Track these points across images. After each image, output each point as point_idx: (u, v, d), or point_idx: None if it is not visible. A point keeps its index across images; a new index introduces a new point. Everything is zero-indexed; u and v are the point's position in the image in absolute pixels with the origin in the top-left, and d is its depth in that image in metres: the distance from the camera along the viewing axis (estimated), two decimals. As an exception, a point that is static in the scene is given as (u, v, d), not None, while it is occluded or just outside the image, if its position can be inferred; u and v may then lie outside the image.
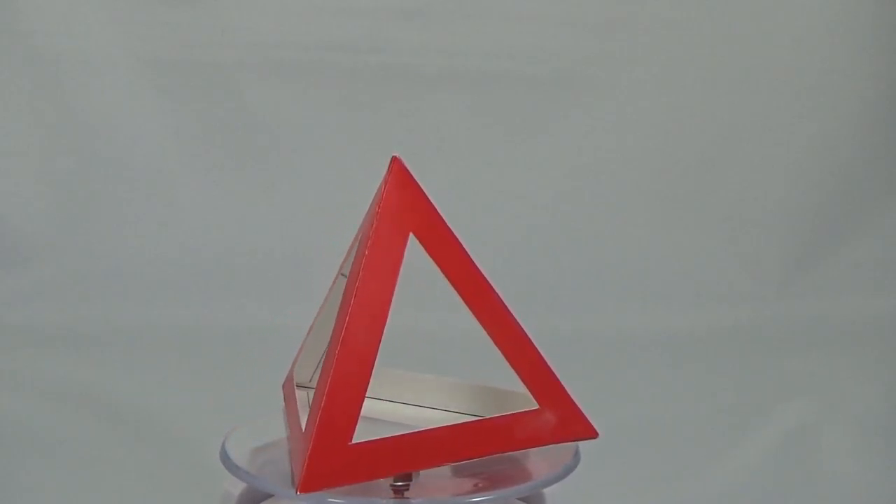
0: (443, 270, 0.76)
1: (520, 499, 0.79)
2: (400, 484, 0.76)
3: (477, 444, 0.76)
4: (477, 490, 0.75)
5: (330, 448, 0.73)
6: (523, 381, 0.77)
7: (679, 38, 1.66)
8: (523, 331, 0.78)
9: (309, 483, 0.72)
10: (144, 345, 1.44)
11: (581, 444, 0.79)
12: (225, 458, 0.77)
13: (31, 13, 1.58)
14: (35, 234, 1.58)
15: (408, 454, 0.74)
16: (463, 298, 0.76)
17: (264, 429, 0.82)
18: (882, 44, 1.67)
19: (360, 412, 0.73)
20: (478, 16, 1.64)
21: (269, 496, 0.80)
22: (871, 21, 1.67)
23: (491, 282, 0.77)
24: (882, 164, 1.68)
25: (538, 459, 0.78)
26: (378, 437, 0.74)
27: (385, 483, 0.76)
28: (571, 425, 0.78)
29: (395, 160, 0.76)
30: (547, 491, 0.78)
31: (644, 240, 1.64)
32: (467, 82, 1.64)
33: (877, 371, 1.41)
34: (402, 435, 0.75)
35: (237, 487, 0.80)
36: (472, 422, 0.78)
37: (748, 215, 1.67)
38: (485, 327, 0.77)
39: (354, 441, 0.73)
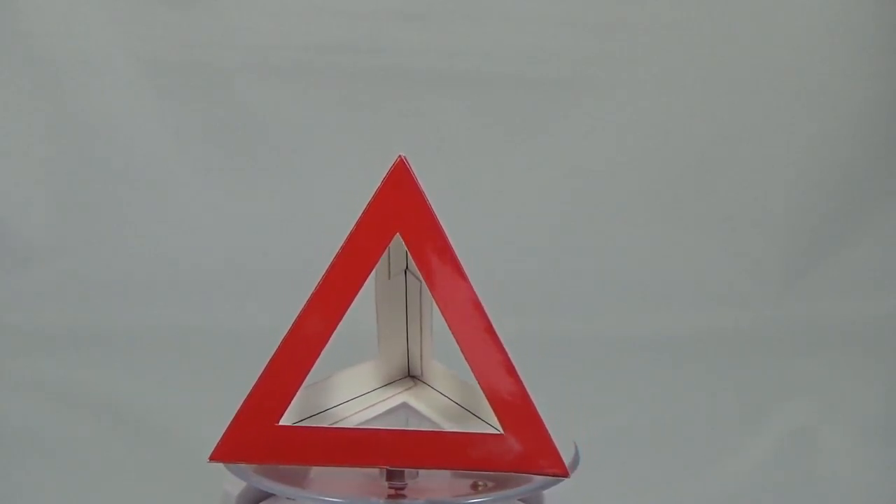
0: (423, 274, 0.75)
1: (519, 499, 0.79)
2: (397, 484, 0.76)
3: (423, 455, 0.74)
4: (476, 491, 0.75)
5: (255, 424, 0.74)
6: (491, 403, 0.74)
7: (679, 38, 1.66)
8: (504, 350, 0.74)
9: (222, 453, 0.74)
10: (144, 345, 1.44)
11: (581, 444, 0.79)
12: (225, 458, 0.77)
13: (31, 13, 1.58)
14: (35, 235, 1.58)
15: (343, 449, 0.74)
16: (440, 307, 0.74)
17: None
18: (882, 44, 1.67)
19: (293, 396, 0.74)
20: (478, 16, 1.64)
21: (269, 496, 0.80)
22: (871, 21, 1.67)
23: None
24: (882, 164, 1.68)
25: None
26: (315, 425, 0.76)
27: (382, 483, 0.76)
28: (537, 458, 0.75)
29: (399, 159, 0.75)
30: (546, 491, 0.78)
31: (644, 240, 1.64)
32: (467, 82, 1.64)
33: (876, 372, 1.41)
34: (345, 428, 0.76)
35: (236, 487, 0.80)
36: (424, 431, 0.77)
37: (748, 215, 1.67)
38: (458, 341, 0.74)
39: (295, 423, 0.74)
